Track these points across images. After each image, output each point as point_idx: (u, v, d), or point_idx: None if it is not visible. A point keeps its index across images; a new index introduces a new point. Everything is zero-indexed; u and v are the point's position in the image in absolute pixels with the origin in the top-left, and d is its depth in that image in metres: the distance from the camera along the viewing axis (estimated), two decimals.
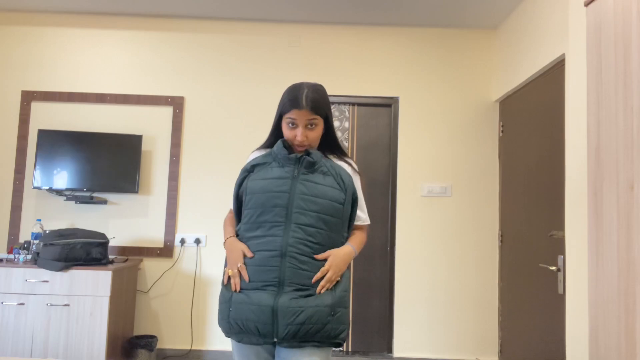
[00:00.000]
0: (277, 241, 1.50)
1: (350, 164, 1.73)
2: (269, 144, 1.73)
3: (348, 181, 1.63)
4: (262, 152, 1.72)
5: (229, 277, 1.56)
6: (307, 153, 1.62)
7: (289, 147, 1.64)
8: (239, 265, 1.52)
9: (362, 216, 1.72)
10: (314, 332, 1.46)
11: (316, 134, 1.64)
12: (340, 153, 1.75)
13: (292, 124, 1.62)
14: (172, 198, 3.60)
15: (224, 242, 1.65)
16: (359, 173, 1.75)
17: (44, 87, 3.67)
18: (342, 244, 1.61)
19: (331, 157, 1.72)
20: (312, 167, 1.59)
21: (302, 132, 1.60)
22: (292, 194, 1.54)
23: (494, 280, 3.55)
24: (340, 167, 1.66)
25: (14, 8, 3.66)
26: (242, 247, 1.55)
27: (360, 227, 1.72)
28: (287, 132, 1.64)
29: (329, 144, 1.73)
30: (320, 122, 1.64)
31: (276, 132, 1.71)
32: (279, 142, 1.64)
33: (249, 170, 1.65)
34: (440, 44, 3.73)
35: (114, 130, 3.58)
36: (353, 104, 3.74)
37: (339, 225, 1.59)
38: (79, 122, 3.63)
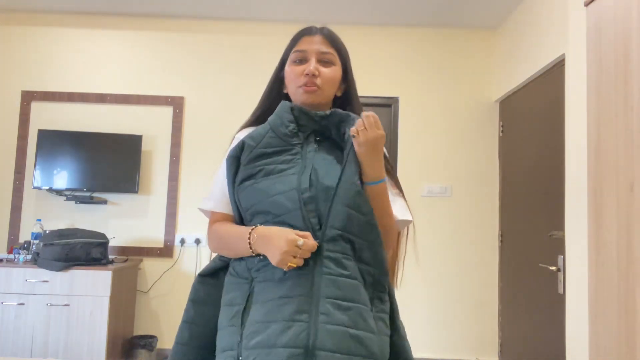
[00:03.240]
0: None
1: None
2: (260, 115, 1.28)
3: None
4: (250, 130, 1.23)
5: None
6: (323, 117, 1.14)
7: (300, 112, 1.15)
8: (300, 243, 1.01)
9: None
10: None
11: (332, 73, 1.20)
12: None
13: (300, 60, 1.20)
14: (172, 198, 3.60)
15: (250, 236, 1.08)
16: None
17: (44, 87, 3.67)
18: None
19: None
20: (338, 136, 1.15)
21: (314, 63, 1.18)
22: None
23: (494, 280, 3.55)
24: None
25: (14, 8, 3.66)
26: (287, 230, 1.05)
27: None
28: (291, 74, 1.20)
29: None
30: (337, 62, 1.22)
31: (272, 93, 1.27)
32: (283, 103, 1.18)
33: (237, 156, 1.15)
34: (440, 44, 3.73)
35: (114, 130, 3.58)
36: None
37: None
38: (79, 122, 3.63)
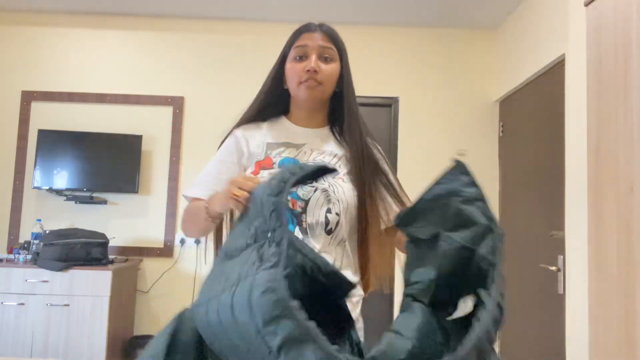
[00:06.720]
0: None
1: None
2: (258, 111, 1.32)
3: None
4: (248, 128, 1.33)
5: None
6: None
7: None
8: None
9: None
10: None
11: (332, 70, 1.22)
12: (358, 134, 1.28)
13: (301, 56, 1.20)
14: (172, 198, 3.60)
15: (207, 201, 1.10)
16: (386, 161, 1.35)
17: (44, 87, 3.67)
18: None
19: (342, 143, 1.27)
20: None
21: (315, 59, 1.18)
22: None
23: None
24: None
25: (14, 8, 3.66)
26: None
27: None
28: (292, 71, 1.21)
29: (342, 112, 1.26)
30: (337, 58, 1.23)
31: (272, 89, 1.28)
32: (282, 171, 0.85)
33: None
34: (440, 44, 3.73)
35: (114, 130, 3.58)
36: None
37: None
38: (79, 122, 3.63)
